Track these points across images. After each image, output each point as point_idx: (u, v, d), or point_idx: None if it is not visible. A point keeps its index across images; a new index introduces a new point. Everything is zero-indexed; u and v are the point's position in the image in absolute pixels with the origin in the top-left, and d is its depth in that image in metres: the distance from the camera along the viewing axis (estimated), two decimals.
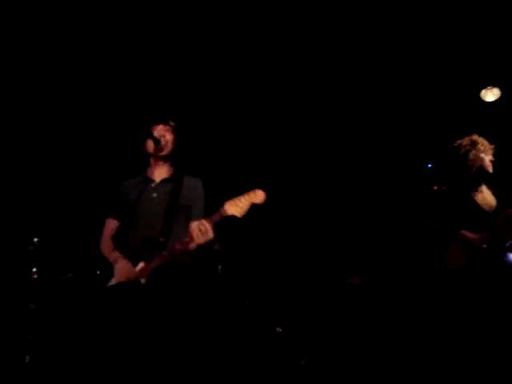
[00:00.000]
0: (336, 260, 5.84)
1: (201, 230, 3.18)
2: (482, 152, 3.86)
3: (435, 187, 4.38)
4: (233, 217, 3.19)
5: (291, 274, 5.74)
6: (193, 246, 3.24)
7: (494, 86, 5.70)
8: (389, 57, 5.61)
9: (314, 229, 6.05)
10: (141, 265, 3.29)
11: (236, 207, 3.17)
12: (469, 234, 3.76)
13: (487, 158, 3.86)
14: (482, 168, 3.85)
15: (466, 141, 3.92)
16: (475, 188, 3.91)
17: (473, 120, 5.56)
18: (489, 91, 5.73)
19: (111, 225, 3.59)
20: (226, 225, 3.27)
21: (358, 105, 6.05)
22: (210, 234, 3.20)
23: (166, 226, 3.35)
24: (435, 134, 5.77)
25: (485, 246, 3.68)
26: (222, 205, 3.21)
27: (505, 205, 3.78)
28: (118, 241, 3.53)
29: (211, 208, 3.43)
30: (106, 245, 3.54)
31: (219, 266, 4.93)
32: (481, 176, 3.87)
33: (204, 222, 3.20)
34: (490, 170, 3.86)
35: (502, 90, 5.67)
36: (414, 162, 5.95)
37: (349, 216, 6.06)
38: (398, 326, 5.00)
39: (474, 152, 3.85)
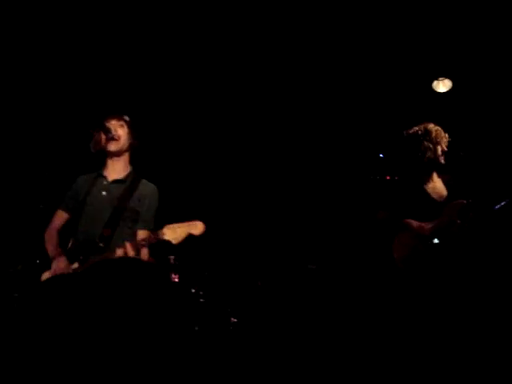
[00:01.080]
0: (291, 250, 5.86)
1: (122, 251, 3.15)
2: (435, 142, 3.88)
3: (388, 177, 4.42)
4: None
5: (248, 263, 5.74)
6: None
7: (446, 77, 5.78)
8: (342, 47, 5.62)
9: (273, 219, 6.05)
10: (75, 265, 3.25)
11: (174, 234, 3.12)
12: (414, 223, 3.79)
13: (439, 148, 3.89)
14: (434, 158, 3.88)
15: (420, 129, 3.93)
16: (426, 177, 3.94)
17: (425, 111, 5.63)
18: (441, 82, 5.81)
19: (59, 217, 3.52)
20: None
21: (313, 95, 6.05)
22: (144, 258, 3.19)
23: (106, 231, 3.27)
24: (388, 125, 5.82)
25: (429, 234, 3.72)
26: (161, 227, 3.17)
27: (455, 193, 3.83)
28: (66, 233, 3.45)
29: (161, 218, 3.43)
30: (50, 237, 3.47)
31: (171, 257, 4.87)
32: (432, 165, 3.91)
33: (128, 246, 3.13)
34: (442, 160, 3.89)
35: (453, 81, 5.76)
36: (366, 153, 5.99)
37: (304, 206, 6.08)
38: (353, 313, 5.06)
39: (426, 141, 3.88)
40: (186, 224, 3.15)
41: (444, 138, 3.90)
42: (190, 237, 3.18)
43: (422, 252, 3.73)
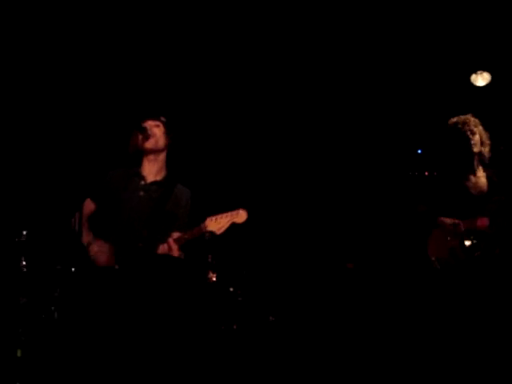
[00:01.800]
0: (329, 246, 5.84)
1: (166, 247, 3.22)
2: (476, 132, 3.78)
3: (426, 173, 4.35)
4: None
5: (286, 262, 5.74)
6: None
7: (484, 70, 5.67)
8: (379, 41, 5.56)
9: (308, 216, 6.03)
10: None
11: (217, 224, 3.15)
12: (448, 221, 3.69)
13: (481, 141, 3.79)
14: (477, 150, 3.76)
15: (461, 120, 3.82)
16: (468, 170, 3.82)
17: (463, 105, 5.53)
18: (479, 76, 5.70)
19: (88, 206, 3.54)
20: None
21: (348, 93, 6.01)
22: (175, 254, 3.23)
23: (145, 232, 3.30)
24: (426, 120, 5.74)
25: (464, 232, 3.63)
26: (203, 219, 3.20)
27: (495, 189, 3.72)
28: (95, 224, 3.49)
29: (192, 217, 3.45)
30: (82, 223, 3.42)
31: (210, 255, 4.91)
32: (474, 158, 3.79)
33: (171, 241, 3.21)
34: (486, 154, 3.78)
35: (492, 74, 5.65)
36: (404, 149, 5.92)
37: (342, 203, 6.04)
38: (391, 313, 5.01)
39: (469, 133, 3.76)
40: (228, 213, 3.17)
41: (484, 133, 3.80)
42: (232, 229, 3.20)
43: (458, 252, 3.63)
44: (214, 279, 4.89)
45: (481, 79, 5.69)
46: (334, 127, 6.13)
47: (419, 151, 5.68)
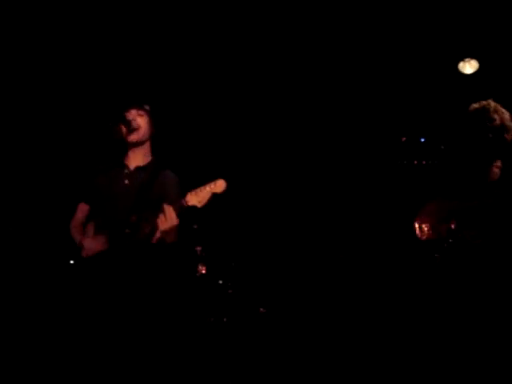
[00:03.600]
0: (321, 237, 5.82)
1: (163, 218, 3.12)
2: (496, 118, 3.56)
3: (415, 162, 4.30)
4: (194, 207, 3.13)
5: (276, 254, 5.72)
6: (158, 233, 3.16)
7: (472, 57, 5.65)
8: (366, 30, 5.53)
9: (299, 206, 6.01)
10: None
11: (197, 198, 3.10)
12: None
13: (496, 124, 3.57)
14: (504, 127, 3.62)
15: (485, 105, 3.61)
16: (485, 158, 3.63)
17: (451, 93, 5.52)
18: (467, 63, 5.68)
19: (82, 210, 3.54)
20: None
21: (339, 84, 5.97)
22: (174, 220, 3.13)
23: (133, 218, 3.26)
24: (413, 109, 5.73)
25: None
26: (183, 196, 3.15)
27: (508, 178, 3.61)
28: (89, 224, 3.47)
29: None
30: (76, 228, 3.48)
31: (198, 248, 4.87)
32: (496, 144, 3.65)
33: (166, 207, 3.12)
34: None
35: (479, 61, 5.63)
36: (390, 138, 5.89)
37: (334, 193, 6.02)
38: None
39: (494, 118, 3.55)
40: (206, 185, 3.13)
41: (507, 116, 3.64)
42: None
43: (441, 230, 3.57)
44: (204, 272, 4.86)
45: (469, 67, 5.68)
46: (326, 116, 6.10)
47: (422, 140, 5.63)
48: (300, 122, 6.06)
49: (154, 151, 3.59)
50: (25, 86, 5.35)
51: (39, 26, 5.04)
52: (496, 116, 3.57)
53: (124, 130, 3.40)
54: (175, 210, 3.13)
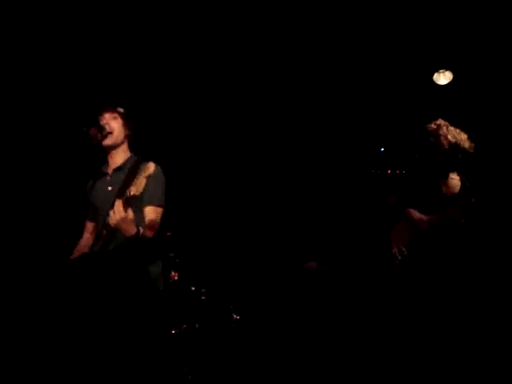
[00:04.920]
0: (292, 245, 5.82)
1: (114, 212, 3.01)
2: (452, 138, 3.83)
3: (389, 171, 4.38)
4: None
5: (249, 259, 5.71)
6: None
7: (447, 69, 5.72)
8: (342, 41, 5.56)
9: (272, 212, 6.01)
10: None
11: (135, 187, 3.05)
12: (415, 214, 3.78)
13: (456, 145, 3.82)
14: (450, 154, 3.81)
15: (438, 124, 3.88)
16: (442, 172, 3.87)
17: (426, 103, 5.58)
18: (441, 74, 5.75)
19: (87, 227, 3.56)
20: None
21: (308, 93, 5.99)
22: (122, 214, 2.99)
23: None
24: (389, 119, 5.77)
25: (427, 228, 3.70)
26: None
27: (467, 193, 3.77)
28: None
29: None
30: (82, 246, 3.47)
31: (171, 254, 4.84)
32: (448, 161, 3.84)
33: (117, 202, 3.01)
34: (460, 156, 3.82)
35: (454, 73, 5.70)
36: (367, 147, 5.94)
37: (305, 199, 6.04)
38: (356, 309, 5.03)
39: (443, 137, 3.82)
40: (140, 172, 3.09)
41: (457, 134, 3.84)
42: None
43: (418, 245, 3.71)
44: (176, 278, 4.82)
45: (443, 78, 5.75)
46: (301, 124, 6.12)
47: (382, 149, 5.71)
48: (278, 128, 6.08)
49: (132, 149, 3.54)
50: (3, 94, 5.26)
51: (16, 29, 4.97)
52: (445, 140, 3.80)
53: (98, 135, 3.36)
54: (124, 202, 3.04)
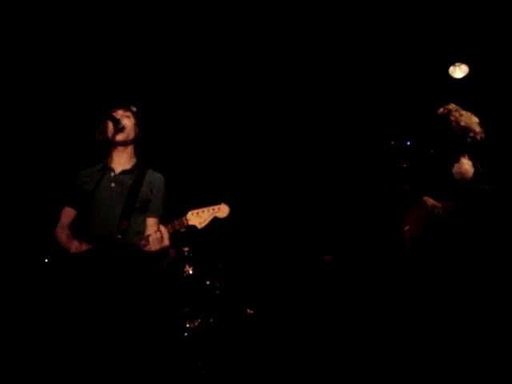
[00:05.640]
0: (308, 238, 5.81)
1: (157, 237, 3.15)
2: (460, 120, 3.83)
3: (404, 165, 4.36)
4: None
5: (263, 254, 5.70)
6: (148, 249, 3.17)
7: (462, 62, 5.67)
8: (357, 34, 5.53)
9: (285, 207, 5.99)
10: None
11: (199, 219, 3.14)
12: (430, 201, 3.78)
13: (467, 128, 3.83)
14: (462, 138, 3.82)
15: (446, 109, 3.91)
16: (454, 157, 3.88)
17: (442, 97, 5.52)
18: (457, 68, 5.70)
19: (67, 214, 3.45)
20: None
21: (329, 87, 5.96)
22: (166, 242, 3.17)
23: (123, 223, 3.23)
24: (405, 113, 5.73)
25: (443, 215, 3.69)
26: (184, 213, 3.19)
27: (479, 177, 3.77)
28: (76, 230, 3.40)
29: (172, 209, 3.40)
30: (62, 232, 3.40)
31: (186, 248, 4.84)
32: (460, 145, 3.84)
33: (163, 228, 3.17)
34: (469, 140, 3.82)
35: (469, 66, 5.65)
36: (382, 141, 5.90)
37: (320, 194, 6.01)
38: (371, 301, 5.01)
39: (453, 121, 3.82)
40: (210, 208, 3.16)
41: (468, 118, 3.84)
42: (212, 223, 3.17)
43: (433, 232, 3.71)
44: (191, 272, 4.83)
45: (459, 71, 5.69)
46: (314, 119, 6.09)
47: (408, 143, 5.67)
48: (285, 127, 6.06)
49: (137, 153, 3.55)
50: (7, 85, 5.27)
51: (20, 27, 4.98)
52: (456, 124, 3.86)
53: (111, 128, 3.37)
54: (171, 231, 3.18)
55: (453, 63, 5.70)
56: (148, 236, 3.19)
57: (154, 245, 3.15)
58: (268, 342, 4.84)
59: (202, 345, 4.60)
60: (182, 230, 3.25)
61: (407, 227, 3.87)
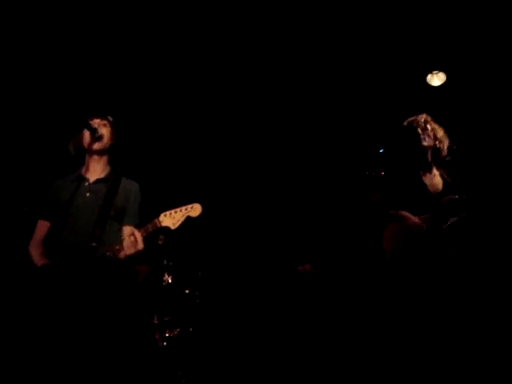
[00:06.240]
0: (286, 248, 5.80)
1: (131, 241, 3.14)
2: (431, 131, 3.85)
3: (382, 173, 4.36)
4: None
5: (242, 262, 5.68)
6: (122, 254, 3.16)
7: (440, 70, 5.72)
8: (333, 40, 5.54)
9: (263, 215, 5.98)
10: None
11: (172, 219, 3.13)
12: (410, 216, 3.74)
13: (436, 138, 3.85)
14: (432, 148, 3.84)
15: (416, 119, 3.90)
16: (425, 168, 3.88)
17: (419, 105, 5.56)
18: (435, 76, 5.75)
19: (42, 227, 3.46)
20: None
21: (301, 94, 5.97)
22: (140, 246, 3.16)
23: (97, 231, 3.23)
24: (382, 120, 5.76)
25: (425, 229, 3.69)
26: (157, 215, 3.18)
27: (449, 188, 3.79)
28: (50, 241, 3.40)
29: (146, 214, 3.39)
30: (35, 248, 3.41)
31: (165, 257, 4.82)
32: (430, 156, 3.85)
33: (136, 232, 3.16)
34: (442, 152, 3.85)
35: (447, 74, 5.70)
36: (361, 149, 5.92)
37: (294, 204, 6.01)
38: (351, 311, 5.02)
39: (422, 131, 3.83)
40: (182, 208, 3.15)
41: (439, 130, 3.87)
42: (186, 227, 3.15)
43: (416, 247, 3.68)
44: (170, 281, 4.80)
45: (436, 79, 5.74)
46: (292, 124, 6.10)
47: (381, 150, 5.69)
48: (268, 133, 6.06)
49: (111, 161, 3.56)
50: None
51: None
52: (433, 134, 3.86)
53: (88, 137, 3.37)
54: (144, 234, 3.16)
55: (430, 71, 5.75)
56: (122, 240, 3.19)
57: (128, 249, 3.14)
58: (248, 351, 4.82)
59: (182, 354, 4.57)
60: (161, 240, 3.26)
61: (387, 244, 3.83)
